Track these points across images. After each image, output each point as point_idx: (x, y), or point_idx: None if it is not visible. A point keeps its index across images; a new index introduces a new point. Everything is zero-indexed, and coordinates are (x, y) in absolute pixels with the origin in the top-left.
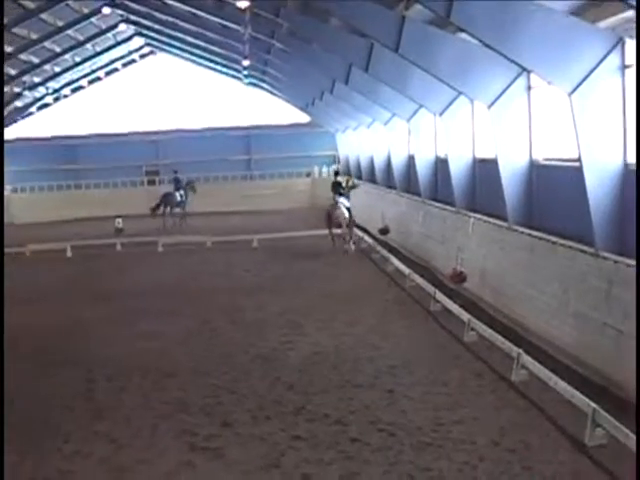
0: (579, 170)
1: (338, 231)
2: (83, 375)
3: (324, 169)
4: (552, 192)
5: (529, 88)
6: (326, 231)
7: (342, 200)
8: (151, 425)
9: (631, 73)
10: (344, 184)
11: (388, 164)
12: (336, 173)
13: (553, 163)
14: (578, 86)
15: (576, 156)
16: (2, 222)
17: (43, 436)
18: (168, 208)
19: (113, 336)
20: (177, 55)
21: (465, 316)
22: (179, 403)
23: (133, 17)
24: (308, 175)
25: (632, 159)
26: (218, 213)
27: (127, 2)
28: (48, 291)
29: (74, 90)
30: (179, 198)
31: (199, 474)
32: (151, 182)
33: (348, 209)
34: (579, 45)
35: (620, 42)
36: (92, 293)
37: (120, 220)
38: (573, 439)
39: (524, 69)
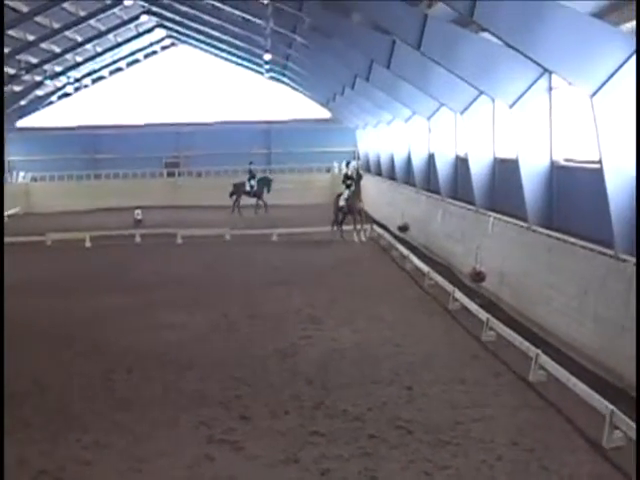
0: (599, 172)
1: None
2: (103, 366)
3: (343, 165)
4: (572, 194)
5: (550, 89)
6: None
7: (345, 191)
8: (170, 417)
9: None
10: (350, 174)
11: (408, 162)
12: (347, 164)
13: (574, 165)
14: (600, 88)
15: (597, 158)
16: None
17: (62, 426)
18: (237, 197)
19: (132, 327)
20: (198, 47)
21: (484, 315)
22: (198, 396)
23: (155, 8)
24: (328, 171)
25: None
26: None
27: None
28: (68, 281)
29: (95, 80)
30: (248, 188)
31: (218, 467)
32: (170, 174)
33: (346, 199)
34: (601, 47)
35: None
36: (111, 284)
37: (139, 211)
38: (591, 441)
39: (546, 70)
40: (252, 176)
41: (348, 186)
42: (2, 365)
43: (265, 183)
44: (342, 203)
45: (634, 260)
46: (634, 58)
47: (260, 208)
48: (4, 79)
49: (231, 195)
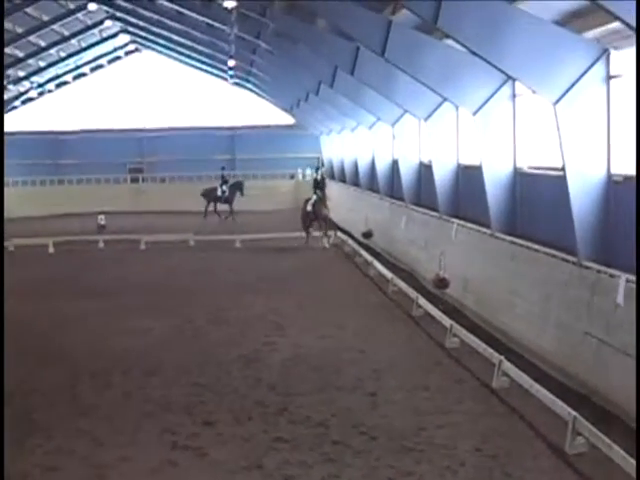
0: (563, 179)
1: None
2: (66, 371)
3: (308, 171)
4: (536, 200)
5: (514, 96)
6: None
7: (313, 197)
8: (133, 423)
9: (616, 84)
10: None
11: (372, 168)
12: (317, 170)
13: (537, 172)
14: (563, 96)
15: (560, 165)
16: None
17: (25, 432)
18: (209, 203)
19: (96, 333)
20: (162, 53)
21: (447, 322)
22: (162, 402)
23: (119, 14)
24: (292, 177)
25: (616, 169)
26: (200, 212)
27: None
28: (31, 287)
29: (59, 85)
30: (219, 193)
31: (181, 473)
32: (134, 180)
33: (313, 205)
34: (564, 55)
35: (605, 53)
36: (75, 290)
37: (103, 217)
38: (554, 447)
39: (509, 77)
40: (224, 181)
41: (315, 191)
42: (2, 365)
43: (237, 187)
44: (309, 209)
45: (597, 267)
46: (597, 66)
47: (230, 214)
48: None
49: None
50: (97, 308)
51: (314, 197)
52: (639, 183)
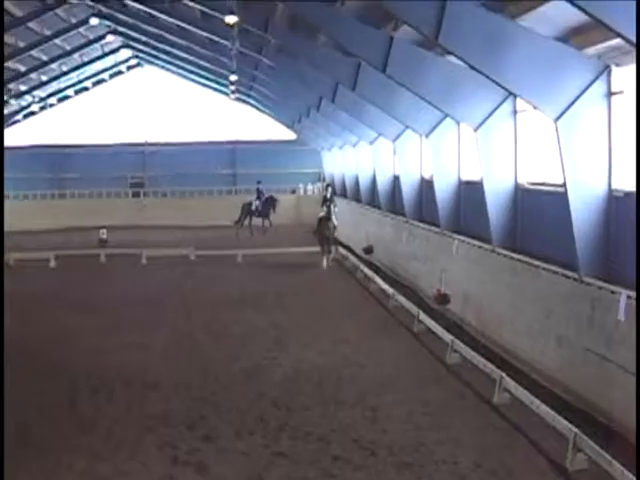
0: (564, 195)
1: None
2: (66, 386)
3: (309, 186)
4: (537, 216)
5: (515, 112)
6: (306, 249)
7: (320, 213)
8: (134, 438)
9: (618, 100)
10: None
11: (373, 183)
12: (327, 187)
13: (538, 187)
14: (564, 112)
15: (561, 181)
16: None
17: (25, 448)
18: (244, 217)
19: (96, 347)
20: (164, 68)
21: (448, 337)
22: (162, 416)
23: (120, 28)
24: (293, 192)
25: (617, 185)
26: (202, 227)
27: (115, 13)
28: (31, 301)
29: (60, 99)
30: (253, 207)
31: None
32: (136, 194)
33: (318, 221)
34: (565, 71)
35: (606, 70)
36: (76, 304)
37: (104, 231)
38: (554, 463)
39: (510, 93)
40: (259, 196)
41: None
42: (2, 366)
43: (271, 203)
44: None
45: (598, 283)
46: (598, 82)
47: (269, 227)
48: None
49: (241, 215)
50: (97, 322)
51: (321, 214)
52: (639, 199)
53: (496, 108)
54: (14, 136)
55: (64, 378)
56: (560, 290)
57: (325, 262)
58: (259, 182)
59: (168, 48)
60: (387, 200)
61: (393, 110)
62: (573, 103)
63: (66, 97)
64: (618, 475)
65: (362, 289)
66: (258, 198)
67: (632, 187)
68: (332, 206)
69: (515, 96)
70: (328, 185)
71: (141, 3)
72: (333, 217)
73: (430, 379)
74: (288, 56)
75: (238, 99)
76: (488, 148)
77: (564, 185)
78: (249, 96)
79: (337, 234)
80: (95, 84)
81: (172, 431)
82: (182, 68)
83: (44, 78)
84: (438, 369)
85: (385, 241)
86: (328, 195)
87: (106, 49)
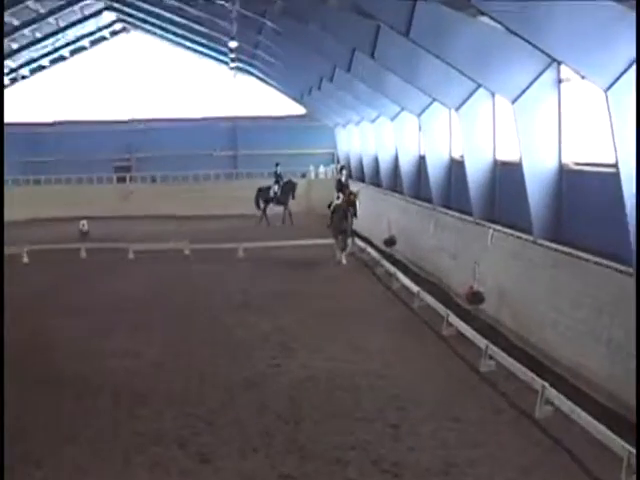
0: (615, 177)
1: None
2: (49, 397)
3: (321, 169)
4: (584, 202)
5: (559, 82)
6: (317, 240)
7: (335, 201)
8: (122, 456)
9: None
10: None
11: (395, 165)
12: (341, 169)
13: (586, 168)
14: (616, 81)
15: (612, 161)
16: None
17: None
18: (263, 203)
19: (80, 354)
20: (153, 33)
21: (482, 342)
22: (153, 432)
23: None
24: (304, 176)
25: None
26: (198, 217)
27: None
28: (5, 303)
29: (34, 70)
30: (272, 194)
31: None
32: (121, 179)
33: (332, 212)
34: (618, 34)
35: None
36: (54, 306)
37: (85, 222)
38: None
39: (554, 60)
40: (277, 180)
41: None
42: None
43: (290, 188)
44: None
45: None
46: None
47: (289, 217)
48: None
49: (257, 203)
50: (80, 326)
51: (335, 202)
52: None
53: (537, 77)
54: None
55: (48, 388)
56: (611, 287)
57: (340, 257)
58: (277, 164)
59: (157, 10)
60: (411, 184)
61: (418, 80)
62: (627, 70)
63: (40, 68)
64: None
65: (383, 287)
66: (277, 182)
67: None
68: (354, 197)
69: (559, 63)
70: (342, 167)
71: None
72: (356, 208)
73: (461, 390)
74: (296, 19)
75: (239, 69)
76: (528, 123)
77: (616, 165)
78: (251, 65)
79: (354, 224)
80: (74, 52)
81: (163, 449)
82: (174, 33)
83: (14, 46)
84: (470, 378)
85: (409, 231)
86: (343, 179)
87: (86, 12)
